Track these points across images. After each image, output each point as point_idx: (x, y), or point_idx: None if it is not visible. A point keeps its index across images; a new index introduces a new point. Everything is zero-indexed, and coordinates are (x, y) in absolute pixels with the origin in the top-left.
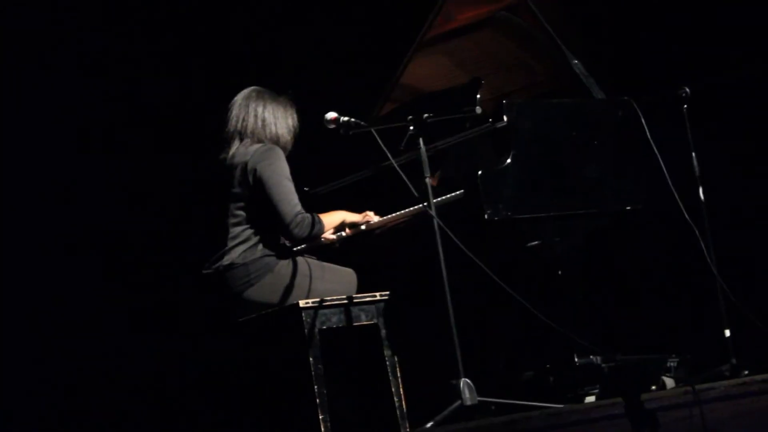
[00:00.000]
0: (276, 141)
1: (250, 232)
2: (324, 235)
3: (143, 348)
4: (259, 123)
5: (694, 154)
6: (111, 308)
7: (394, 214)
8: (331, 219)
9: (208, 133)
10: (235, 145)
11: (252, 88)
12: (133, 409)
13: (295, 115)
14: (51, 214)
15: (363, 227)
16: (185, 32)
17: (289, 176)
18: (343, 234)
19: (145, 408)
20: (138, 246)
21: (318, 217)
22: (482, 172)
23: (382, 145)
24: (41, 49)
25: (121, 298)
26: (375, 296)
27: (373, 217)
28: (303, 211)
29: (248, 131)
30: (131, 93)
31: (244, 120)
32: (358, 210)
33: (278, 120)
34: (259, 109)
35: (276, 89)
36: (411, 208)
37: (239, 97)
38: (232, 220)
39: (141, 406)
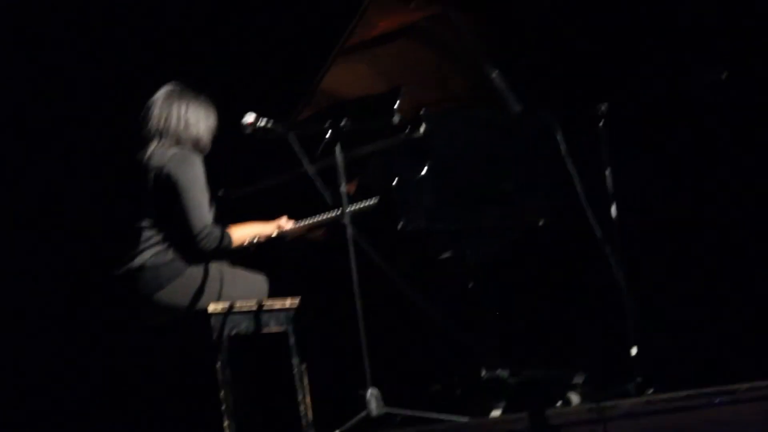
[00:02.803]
0: (197, 143)
1: (162, 235)
2: None
3: (48, 350)
4: (182, 124)
5: (608, 170)
6: (21, 307)
7: (308, 221)
8: (243, 233)
9: (124, 132)
10: (153, 146)
11: (172, 86)
12: (37, 411)
13: (214, 116)
14: None
15: (276, 233)
16: (102, 29)
17: (204, 186)
18: (255, 240)
19: (48, 411)
20: (48, 245)
21: (227, 231)
22: (397, 182)
23: (298, 150)
24: None
25: (32, 298)
26: (285, 303)
27: (286, 224)
28: (212, 223)
29: (170, 132)
30: (47, 93)
31: (166, 120)
32: (272, 215)
33: (200, 121)
34: (182, 110)
35: (194, 87)
36: (325, 215)
37: (159, 96)
38: (145, 222)
39: (44, 409)
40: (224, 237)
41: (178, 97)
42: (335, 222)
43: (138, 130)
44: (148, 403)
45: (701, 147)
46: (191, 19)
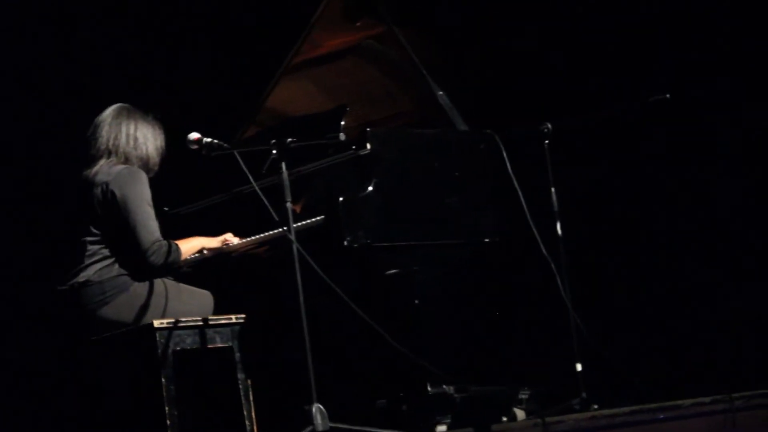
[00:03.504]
0: (146, 161)
1: (107, 250)
2: None
3: None
4: (131, 142)
5: (553, 189)
6: None
7: (253, 238)
8: (189, 246)
9: (71, 148)
10: (100, 163)
11: (120, 105)
12: None
13: (163, 136)
14: None
15: (222, 247)
16: (50, 48)
17: (150, 201)
18: (200, 255)
19: None
20: None
21: (175, 244)
22: (343, 199)
23: (244, 168)
24: None
25: None
26: (231, 319)
27: (232, 240)
28: (161, 238)
29: (120, 150)
30: None
31: (115, 138)
32: (217, 232)
33: (148, 140)
34: (131, 129)
35: (142, 108)
36: (271, 232)
37: (108, 115)
38: (90, 238)
39: None
40: (172, 251)
41: (127, 116)
42: (281, 238)
43: (86, 148)
44: (91, 419)
45: (645, 166)
46: (136, 37)
